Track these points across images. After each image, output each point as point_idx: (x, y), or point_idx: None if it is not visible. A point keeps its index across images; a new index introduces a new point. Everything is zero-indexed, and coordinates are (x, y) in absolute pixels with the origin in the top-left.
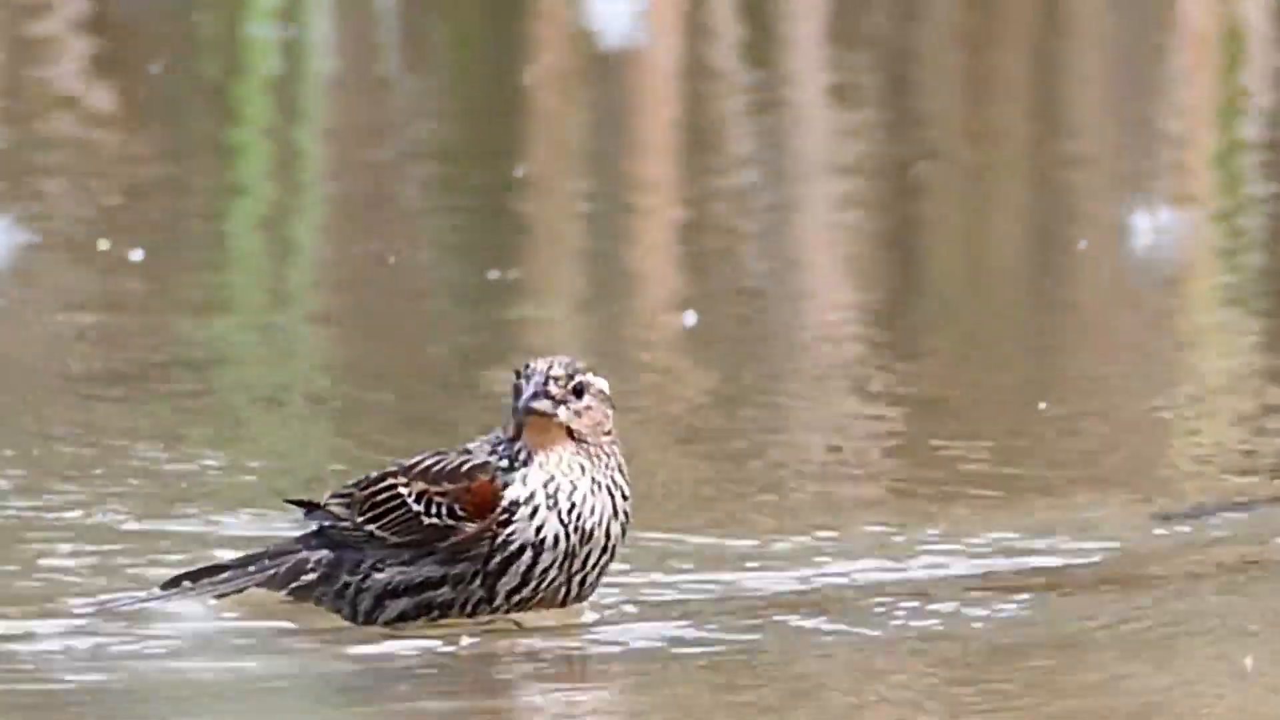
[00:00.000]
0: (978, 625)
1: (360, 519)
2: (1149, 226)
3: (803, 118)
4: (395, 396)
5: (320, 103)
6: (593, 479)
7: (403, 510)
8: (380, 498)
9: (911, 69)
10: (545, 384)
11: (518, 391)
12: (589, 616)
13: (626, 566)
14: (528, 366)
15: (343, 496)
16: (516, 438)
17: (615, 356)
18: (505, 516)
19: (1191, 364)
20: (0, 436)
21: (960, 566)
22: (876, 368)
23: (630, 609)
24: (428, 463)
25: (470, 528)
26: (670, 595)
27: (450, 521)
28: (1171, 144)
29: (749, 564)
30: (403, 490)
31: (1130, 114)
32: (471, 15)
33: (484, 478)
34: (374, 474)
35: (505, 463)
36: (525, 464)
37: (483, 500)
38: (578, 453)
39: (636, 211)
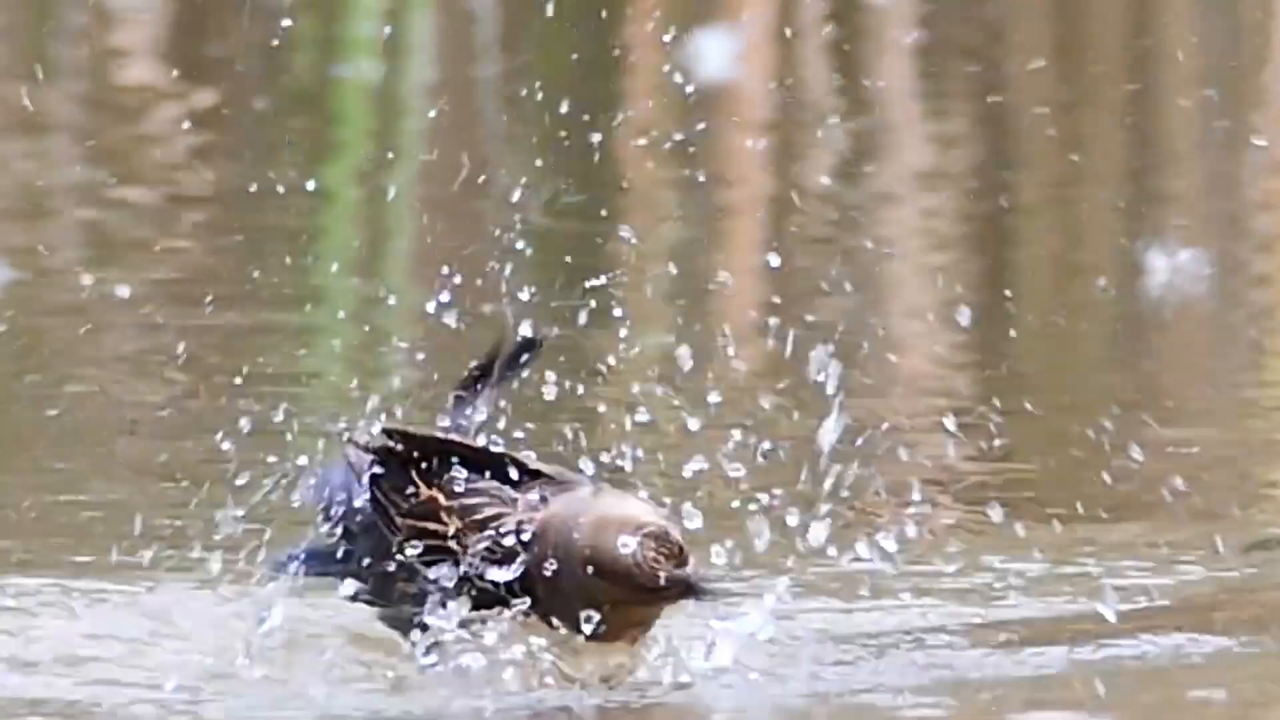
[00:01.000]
0: (1075, 658)
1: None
2: (1167, 265)
3: (895, 162)
4: None
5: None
6: None
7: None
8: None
9: (1003, 90)
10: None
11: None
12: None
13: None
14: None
15: None
16: None
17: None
18: None
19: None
20: None
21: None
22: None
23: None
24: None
25: None
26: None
27: None
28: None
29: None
30: None
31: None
32: (564, 52)
33: None
34: None
35: None
36: None
37: None
38: None
39: (724, 239)
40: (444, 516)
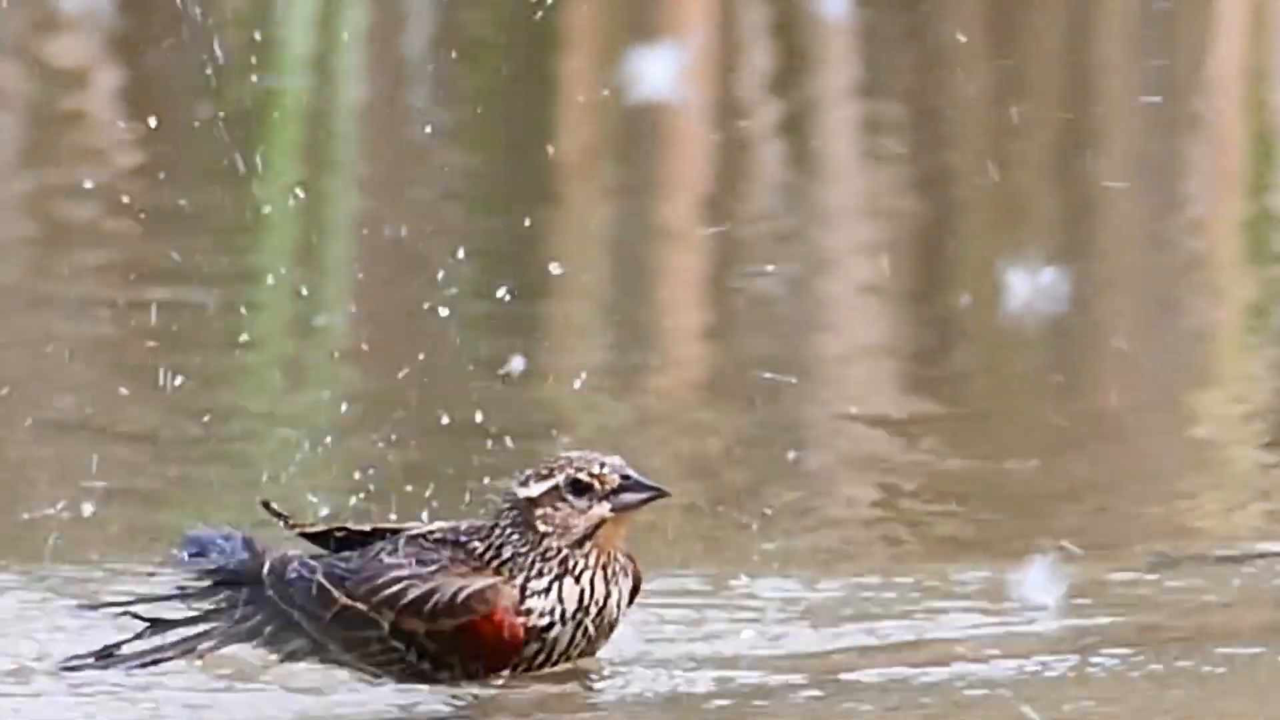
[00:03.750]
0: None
1: (331, 626)
2: (1029, 285)
3: (833, 183)
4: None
5: (349, 158)
6: (628, 580)
7: (385, 654)
8: (353, 624)
9: (942, 121)
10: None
11: (596, 488)
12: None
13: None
14: (598, 464)
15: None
16: (586, 539)
17: (635, 396)
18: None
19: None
20: None
21: (940, 625)
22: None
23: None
24: (413, 595)
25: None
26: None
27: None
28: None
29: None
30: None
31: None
32: (500, 73)
33: (494, 607)
34: (353, 569)
35: (547, 579)
36: (587, 571)
37: (499, 635)
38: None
39: (661, 269)
40: (374, 615)
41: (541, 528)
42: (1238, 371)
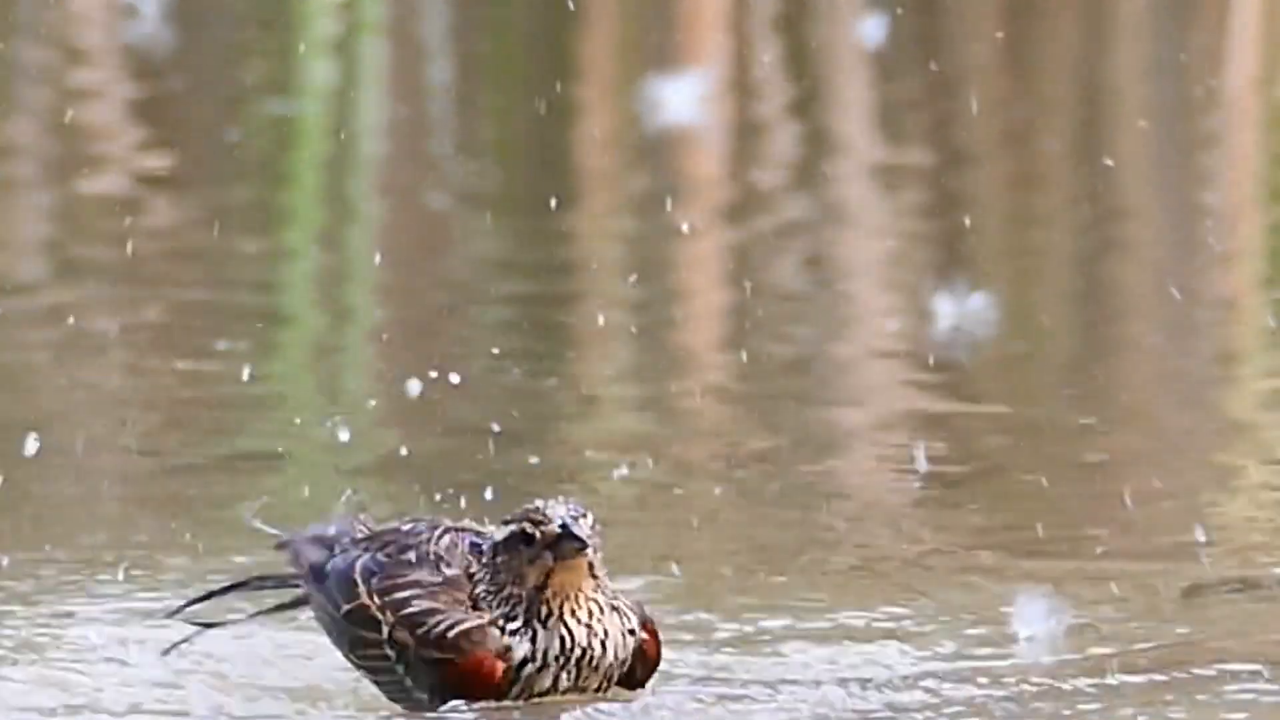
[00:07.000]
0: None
1: (346, 623)
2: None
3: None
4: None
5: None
6: (617, 616)
7: (383, 661)
8: (364, 622)
9: (960, 130)
10: (576, 522)
11: (538, 538)
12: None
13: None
14: (539, 511)
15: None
16: (543, 587)
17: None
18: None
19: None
20: None
21: (957, 652)
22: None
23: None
24: (413, 609)
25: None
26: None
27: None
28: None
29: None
30: (382, 633)
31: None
32: (522, 93)
33: (480, 650)
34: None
35: (519, 623)
36: (554, 618)
37: (481, 679)
38: (596, 589)
39: (682, 293)
40: (378, 615)
41: (502, 574)
42: (1263, 386)
